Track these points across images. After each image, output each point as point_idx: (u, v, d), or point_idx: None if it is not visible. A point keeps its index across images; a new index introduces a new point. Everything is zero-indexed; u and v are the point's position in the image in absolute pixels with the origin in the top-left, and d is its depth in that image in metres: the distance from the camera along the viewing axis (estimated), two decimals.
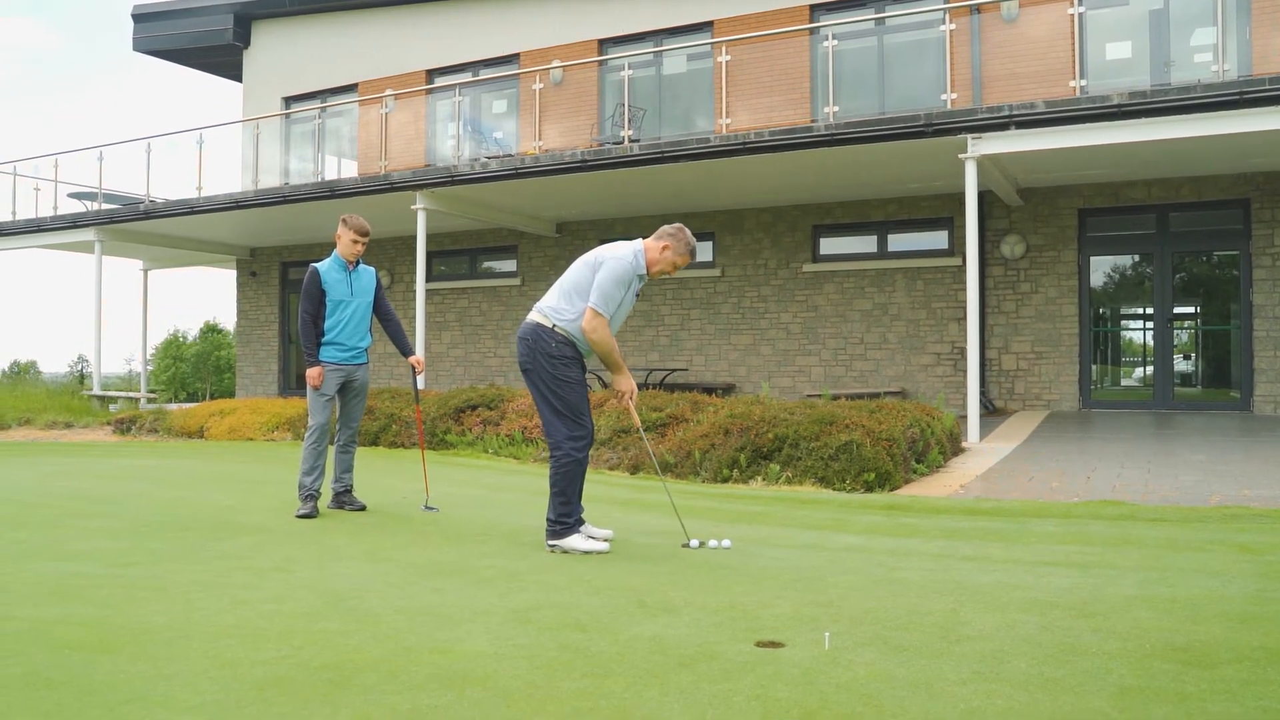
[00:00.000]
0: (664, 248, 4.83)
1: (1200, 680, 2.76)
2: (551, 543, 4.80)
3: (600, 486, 7.19)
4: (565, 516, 4.79)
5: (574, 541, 4.76)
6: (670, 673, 2.85)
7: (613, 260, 4.75)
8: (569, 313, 4.78)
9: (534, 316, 4.88)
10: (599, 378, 12.38)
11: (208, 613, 3.57)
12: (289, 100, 19.18)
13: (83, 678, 2.81)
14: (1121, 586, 3.95)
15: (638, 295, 4.96)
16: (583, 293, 4.76)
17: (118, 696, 2.66)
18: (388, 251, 17.75)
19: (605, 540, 4.92)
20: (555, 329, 4.79)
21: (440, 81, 16.97)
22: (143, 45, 20.37)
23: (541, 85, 14.88)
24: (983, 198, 11.89)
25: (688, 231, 4.89)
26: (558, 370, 4.76)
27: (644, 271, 4.81)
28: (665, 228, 4.88)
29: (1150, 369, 12.72)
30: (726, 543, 4.93)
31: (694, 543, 4.96)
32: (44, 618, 3.48)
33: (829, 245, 14.33)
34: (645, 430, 8.77)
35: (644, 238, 4.94)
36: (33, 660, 2.97)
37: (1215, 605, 3.61)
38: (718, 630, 3.32)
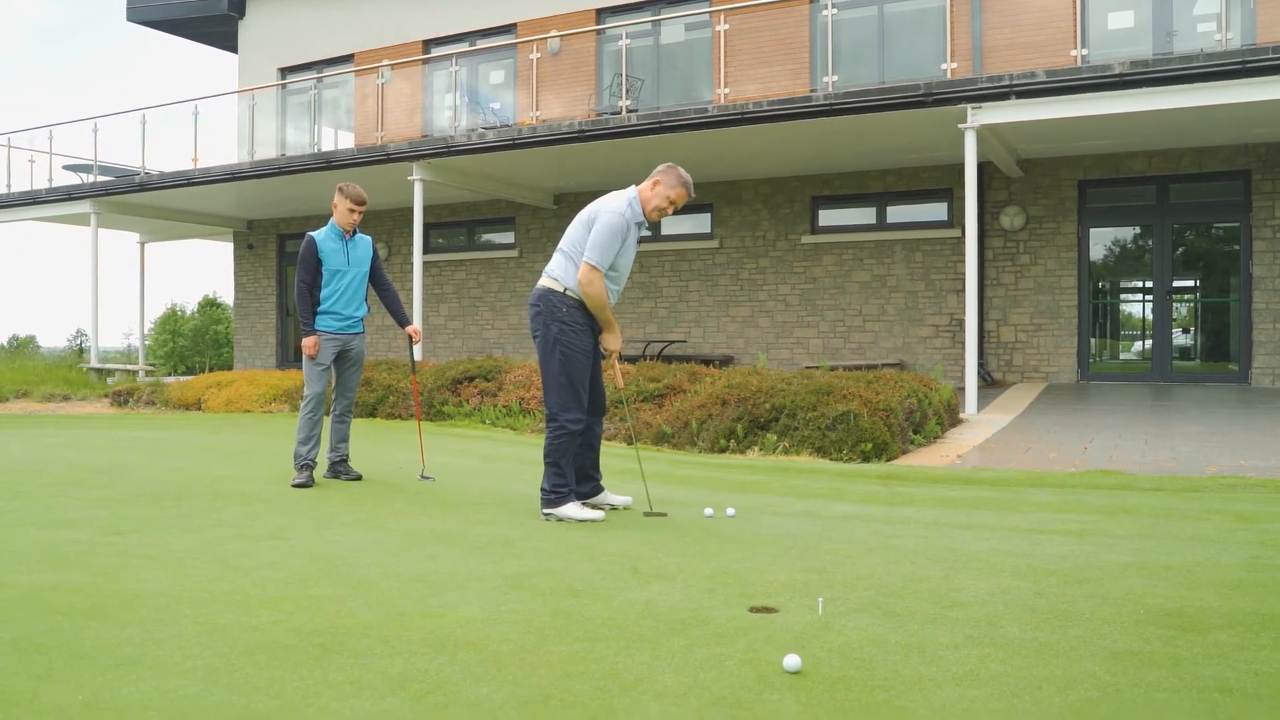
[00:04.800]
0: (655, 184, 4.78)
1: (1193, 645, 2.75)
2: (547, 511, 4.80)
3: None
4: (560, 486, 4.79)
5: (570, 510, 4.76)
6: (662, 637, 2.85)
7: (607, 214, 4.72)
8: (575, 274, 4.74)
9: (544, 281, 4.86)
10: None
11: (200, 579, 3.57)
12: (285, 71, 19.00)
13: (74, 642, 2.81)
14: (1116, 554, 3.95)
15: (639, 241, 4.91)
16: (583, 251, 4.74)
17: (109, 661, 2.65)
18: (385, 223, 17.66)
19: (624, 506, 5.03)
20: (566, 293, 4.77)
21: (437, 52, 16.82)
22: (136, 15, 20.14)
23: (539, 55, 14.75)
24: (982, 169, 11.82)
25: (679, 168, 4.82)
26: (565, 337, 4.74)
27: (642, 219, 4.78)
28: (657, 167, 4.83)
29: (1149, 342, 12.70)
30: (713, 511, 4.92)
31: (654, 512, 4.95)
32: (36, 584, 3.48)
33: (827, 217, 14.26)
34: (642, 400, 8.76)
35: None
36: (24, 625, 2.97)
37: (1209, 572, 3.61)
38: (711, 596, 3.31)
